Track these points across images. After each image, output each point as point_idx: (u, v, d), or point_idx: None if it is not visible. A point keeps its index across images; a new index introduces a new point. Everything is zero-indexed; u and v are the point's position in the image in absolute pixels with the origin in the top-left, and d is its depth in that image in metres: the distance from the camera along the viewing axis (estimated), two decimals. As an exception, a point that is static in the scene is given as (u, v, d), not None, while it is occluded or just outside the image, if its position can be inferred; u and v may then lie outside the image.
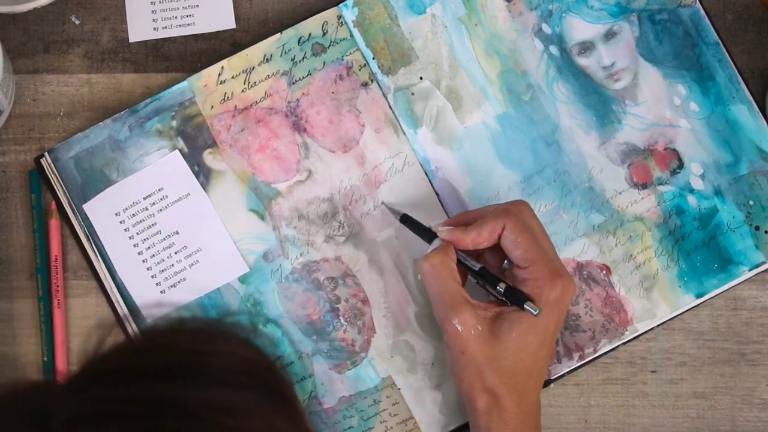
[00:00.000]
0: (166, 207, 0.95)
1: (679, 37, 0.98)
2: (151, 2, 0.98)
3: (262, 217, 0.96)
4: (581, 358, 0.96)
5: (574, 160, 0.97)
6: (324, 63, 0.97)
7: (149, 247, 0.95)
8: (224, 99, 0.96)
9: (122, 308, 0.94)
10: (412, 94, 0.97)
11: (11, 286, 0.96)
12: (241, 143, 0.96)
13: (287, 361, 0.95)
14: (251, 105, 0.96)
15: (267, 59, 0.96)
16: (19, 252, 0.96)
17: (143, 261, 0.95)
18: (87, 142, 0.95)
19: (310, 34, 0.97)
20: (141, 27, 0.98)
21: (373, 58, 0.97)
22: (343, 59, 0.97)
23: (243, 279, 0.95)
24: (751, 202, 0.97)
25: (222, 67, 0.96)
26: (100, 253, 0.94)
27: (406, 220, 0.94)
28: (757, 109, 0.98)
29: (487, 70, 0.98)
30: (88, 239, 0.95)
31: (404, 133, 0.97)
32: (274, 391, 0.61)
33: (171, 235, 0.95)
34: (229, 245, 0.95)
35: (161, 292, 0.94)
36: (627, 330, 0.96)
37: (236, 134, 0.96)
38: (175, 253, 0.95)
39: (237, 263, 0.95)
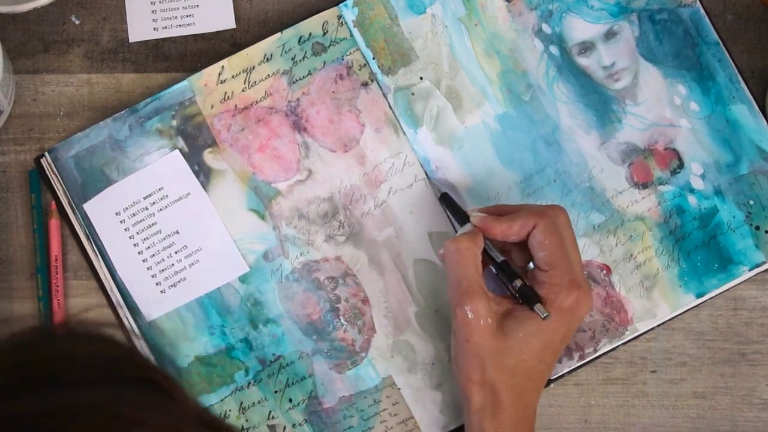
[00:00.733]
0: (166, 206, 0.95)
1: (679, 37, 0.99)
2: (151, 2, 0.98)
3: (263, 217, 0.96)
4: (581, 358, 0.96)
5: (575, 160, 0.97)
6: (324, 63, 0.97)
7: (149, 247, 0.95)
8: (224, 98, 0.96)
9: (122, 308, 0.94)
10: (412, 94, 0.97)
11: (11, 286, 0.96)
12: (242, 143, 0.96)
13: (288, 361, 0.95)
14: (251, 104, 0.96)
15: (267, 59, 0.96)
16: (19, 252, 0.96)
17: (143, 261, 0.95)
18: (87, 141, 0.95)
19: (310, 34, 0.97)
20: (141, 27, 0.98)
21: (373, 58, 0.97)
22: (343, 59, 0.97)
23: (243, 279, 0.95)
24: (751, 202, 0.98)
25: (222, 67, 0.96)
26: (100, 253, 0.94)
27: (444, 199, 0.94)
28: (758, 109, 0.98)
29: (487, 70, 0.98)
30: (88, 239, 0.94)
31: (404, 133, 0.97)
32: (133, 381, 0.57)
33: (171, 235, 0.95)
34: (230, 245, 0.95)
35: (161, 291, 0.94)
36: (627, 330, 0.96)
37: (236, 134, 0.96)
38: (176, 252, 0.95)
39: (237, 263, 0.95)
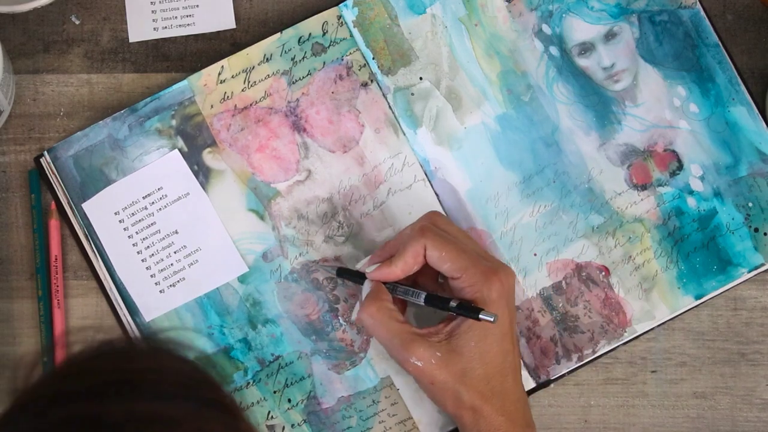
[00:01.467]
0: (165, 206, 0.95)
1: (679, 39, 0.98)
2: (151, 2, 0.98)
3: (262, 217, 0.96)
4: (580, 359, 0.96)
5: (574, 161, 0.97)
6: (324, 63, 0.97)
7: (148, 247, 0.95)
8: (224, 98, 0.96)
9: (122, 308, 0.94)
10: (412, 94, 0.97)
11: (11, 286, 0.96)
12: (241, 143, 0.96)
13: (286, 361, 0.95)
14: (251, 104, 0.96)
15: (267, 59, 0.96)
16: (19, 252, 0.96)
17: (142, 260, 0.95)
18: (86, 141, 0.95)
19: (310, 34, 0.97)
20: (141, 27, 0.98)
21: (373, 58, 0.97)
22: (343, 59, 0.97)
23: (242, 279, 0.95)
24: (750, 204, 0.97)
25: (222, 67, 0.96)
26: (99, 253, 0.95)
27: (342, 273, 0.94)
28: (757, 111, 0.98)
29: (487, 70, 0.98)
30: (87, 239, 0.95)
31: (404, 134, 0.97)
32: (206, 400, 0.61)
33: (170, 235, 0.95)
34: (229, 245, 0.95)
35: (160, 291, 0.95)
36: (626, 331, 0.96)
37: (236, 134, 0.96)
38: (175, 252, 0.95)
39: (236, 263, 0.95)
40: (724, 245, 0.97)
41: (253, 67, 0.96)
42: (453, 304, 0.87)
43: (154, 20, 0.98)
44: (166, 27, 0.98)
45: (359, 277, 0.92)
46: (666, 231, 0.97)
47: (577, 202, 0.97)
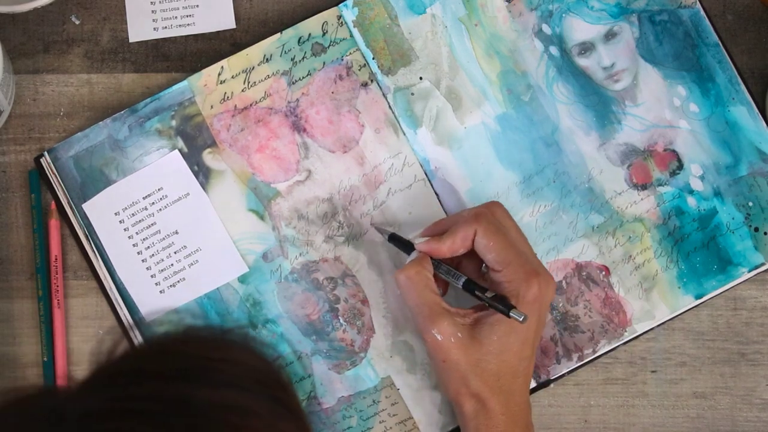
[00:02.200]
0: (165, 207, 0.95)
1: (679, 38, 0.98)
2: (151, 2, 0.98)
3: (262, 217, 0.96)
4: (580, 359, 0.96)
5: (574, 161, 0.97)
6: (324, 63, 0.97)
7: (149, 247, 0.95)
8: (224, 99, 0.96)
9: (122, 308, 0.94)
10: (412, 94, 0.97)
11: (11, 286, 0.96)
12: (241, 143, 0.96)
13: (287, 361, 0.95)
14: (251, 105, 0.96)
15: (267, 59, 0.96)
16: (19, 252, 0.96)
17: (143, 261, 0.95)
18: (87, 141, 0.95)
19: (310, 34, 0.97)
20: (141, 27, 0.98)
21: (373, 58, 0.97)
22: (342, 59, 0.97)
23: (242, 279, 0.95)
24: (750, 204, 0.97)
25: (222, 67, 0.96)
26: (99, 253, 0.95)
27: (393, 239, 0.94)
28: (757, 111, 0.98)
29: (487, 70, 0.98)
30: (87, 239, 0.95)
31: (404, 134, 0.97)
32: (279, 398, 0.64)
33: (170, 235, 0.95)
34: (229, 245, 0.95)
35: (161, 291, 0.95)
36: (626, 331, 0.97)
37: (236, 134, 0.96)
38: (175, 252, 0.95)
39: (236, 263, 0.95)
40: (724, 245, 0.97)
41: (253, 68, 0.96)
42: (488, 294, 0.88)
43: (154, 20, 0.98)
44: (166, 27, 0.98)
45: (408, 247, 0.92)
46: (666, 230, 0.97)
47: (577, 202, 0.97)
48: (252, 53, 0.96)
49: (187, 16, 0.98)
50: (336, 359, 0.95)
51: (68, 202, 0.95)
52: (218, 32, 0.99)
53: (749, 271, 0.97)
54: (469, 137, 0.97)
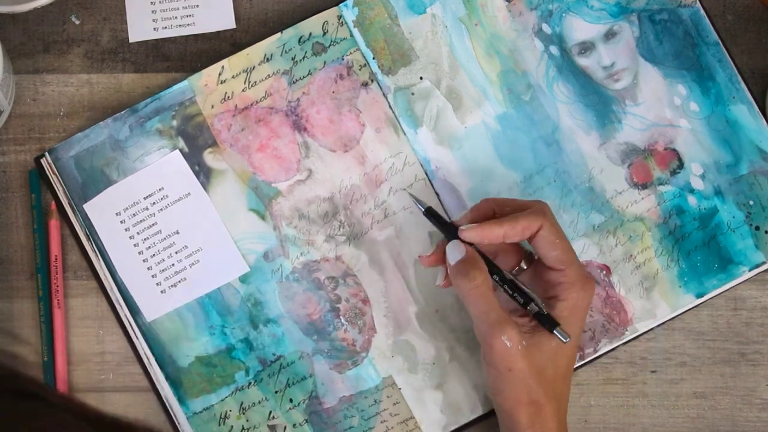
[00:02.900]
0: (166, 207, 0.95)
1: (679, 37, 0.99)
2: (151, 2, 0.98)
3: (263, 217, 0.96)
4: (581, 358, 0.96)
5: (574, 160, 0.97)
6: (324, 62, 0.97)
7: (149, 247, 0.95)
8: (224, 98, 0.96)
9: (122, 308, 0.94)
10: (412, 94, 0.97)
11: (11, 286, 0.96)
12: (242, 143, 0.96)
13: (288, 361, 0.95)
14: (251, 104, 0.96)
15: (267, 59, 0.96)
16: (19, 252, 0.96)
17: (143, 261, 0.95)
18: (87, 141, 0.95)
19: (310, 34, 0.97)
20: (141, 27, 0.98)
21: (374, 58, 0.97)
22: (343, 59, 0.97)
23: (243, 279, 0.95)
24: (751, 202, 0.98)
25: (222, 67, 0.96)
26: (100, 253, 0.94)
27: (430, 214, 0.91)
28: (757, 109, 0.98)
29: (487, 70, 0.98)
30: (88, 239, 0.94)
31: (404, 133, 0.97)
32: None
33: (171, 235, 0.95)
34: (230, 245, 0.95)
35: (161, 291, 0.94)
36: (627, 330, 0.97)
37: (237, 134, 0.96)
38: (176, 252, 0.95)
39: (237, 263, 0.95)
40: (724, 243, 0.97)
41: (254, 67, 0.96)
42: (533, 308, 0.87)
43: (154, 20, 0.98)
44: (166, 27, 0.98)
45: (445, 228, 0.89)
46: (667, 230, 0.97)
47: (578, 201, 0.97)
48: (252, 53, 0.96)
49: (187, 16, 0.98)
50: (337, 359, 0.95)
51: (69, 202, 0.94)
52: (218, 32, 0.99)
53: (750, 270, 0.97)
54: (469, 137, 0.97)
